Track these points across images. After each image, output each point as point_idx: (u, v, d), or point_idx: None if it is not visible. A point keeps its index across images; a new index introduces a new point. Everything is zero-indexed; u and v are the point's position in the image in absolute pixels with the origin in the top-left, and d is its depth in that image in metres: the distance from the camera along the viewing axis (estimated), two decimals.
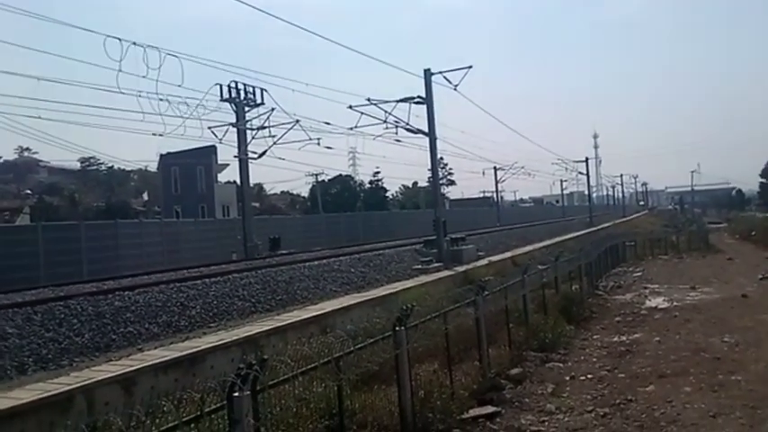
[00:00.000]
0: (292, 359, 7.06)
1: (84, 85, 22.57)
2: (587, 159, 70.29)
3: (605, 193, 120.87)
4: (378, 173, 75.62)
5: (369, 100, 24.36)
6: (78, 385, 7.89)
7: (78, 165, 76.10)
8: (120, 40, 18.46)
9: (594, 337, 13.83)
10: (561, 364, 11.34)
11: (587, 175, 70.48)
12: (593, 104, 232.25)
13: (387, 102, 24.40)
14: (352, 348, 7.49)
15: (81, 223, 28.87)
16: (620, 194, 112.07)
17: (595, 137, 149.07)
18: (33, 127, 44.28)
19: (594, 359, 11.79)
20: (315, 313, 12.71)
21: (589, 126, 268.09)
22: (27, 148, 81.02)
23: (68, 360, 9.73)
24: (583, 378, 10.42)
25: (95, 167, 78.84)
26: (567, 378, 10.42)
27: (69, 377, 8.45)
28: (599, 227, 52.70)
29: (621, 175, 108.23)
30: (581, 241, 32.65)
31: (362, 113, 24.51)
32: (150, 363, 8.89)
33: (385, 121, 24.55)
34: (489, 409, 8.61)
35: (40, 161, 79.54)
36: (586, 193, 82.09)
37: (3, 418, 6.87)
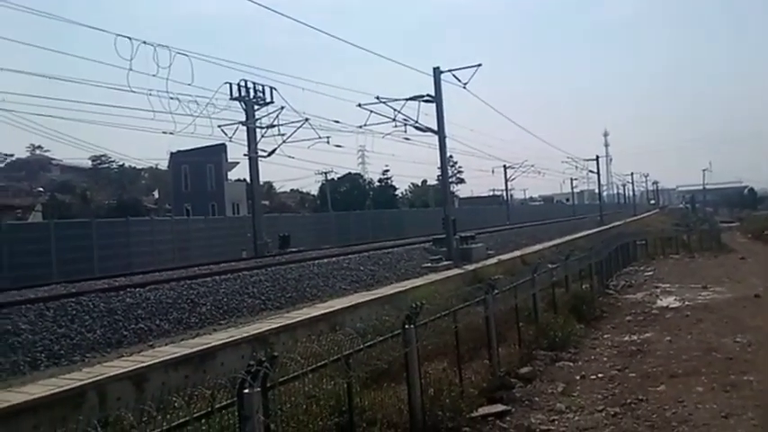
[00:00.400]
0: (302, 356, 7.09)
1: (95, 84, 22.74)
2: (598, 158, 70.00)
3: (616, 191, 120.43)
4: (387, 171, 75.69)
5: (378, 98, 24.35)
6: (90, 381, 7.96)
7: (90, 163, 76.86)
8: (130, 39, 18.57)
9: (605, 336, 13.76)
10: (571, 363, 11.29)
11: (598, 173, 70.18)
12: (604, 102, 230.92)
13: (396, 100, 24.37)
14: (361, 346, 7.50)
15: (93, 221, 29.11)
16: (631, 193, 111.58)
17: (606, 135, 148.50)
18: (45, 125, 44.66)
19: (605, 358, 11.73)
20: (324, 311, 12.74)
21: (599, 124, 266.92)
22: (39, 146, 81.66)
23: (80, 356, 9.81)
24: (593, 377, 10.37)
25: (107, 165, 79.57)
26: (578, 377, 10.38)
27: (81, 373, 8.51)
28: (609, 225, 52.41)
29: (632, 174, 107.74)
30: (591, 240, 32.49)
31: (372, 112, 24.51)
32: (161, 359, 8.95)
33: (394, 120, 24.53)
34: (499, 407, 8.59)
35: (53, 159, 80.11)
36: (597, 191, 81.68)
37: (17, 413, 6.94)
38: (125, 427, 5.79)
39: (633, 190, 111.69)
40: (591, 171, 70.76)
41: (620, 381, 10.09)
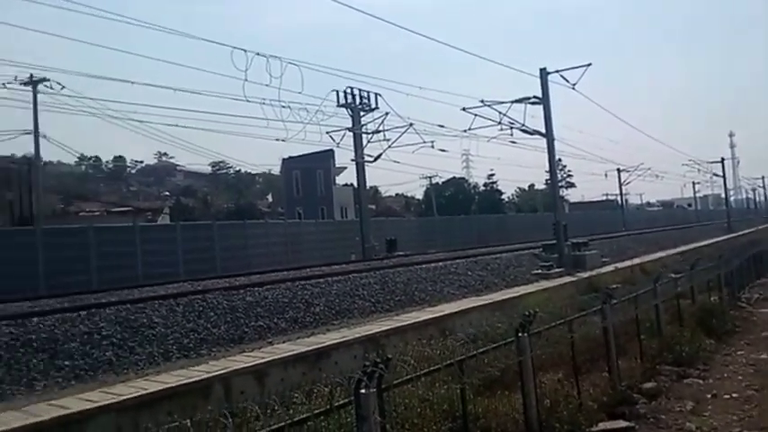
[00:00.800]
0: (415, 360, 7.12)
1: (214, 95, 24.33)
2: (723, 160, 64.78)
3: (744, 196, 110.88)
4: (492, 175, 74.70)
5: (482, 101, 24.14)
6: (216, 374, 8.47)
7: (209, 169, 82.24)
8: (245, 51, 19.73)
9: (739, 353, 12.62)
10: (701, 381, 10.45)
11: (723, 176, 65.03)
12: (730, 102, 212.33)
13: (501, 103, 24.02)
14: (474, 352, 7.43)
15: (214, 223, 31.07)
16: (763, 198, 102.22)
17: (731, 135, 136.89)
18: (170, 133, 48.69)
19: (740, 377, 10.75)
20: (433, 315, 12.74)
21: (725, 125, 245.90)
22: (165, 154, 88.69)
23: (207, 349, 10.46)
24: (727, 397, 9.53)
25: (225, 171, 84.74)
26: (709, 396, 9.58)
27: (208, 365, 9.09)
28: (739, 233, 48.29)
29: (763, 177, 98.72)
30: (719, 248, 30.09)
31: (476, 115, 24.33)
32: (280, 356, 9.35)
33: (499, 123, 24.20)
34: (621, 423, 8.13)
35: (177, 165, 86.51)
36: (723, 196, 75.52)
37: (153, 401, 7.53)
38: (248, 419, 6.07)
39: (766, 194, 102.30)
40: (715, 174, 65.81)
41: (758, 402, 9.20)
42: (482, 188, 77.27)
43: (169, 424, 5.86)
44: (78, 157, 64.74)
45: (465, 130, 25.52)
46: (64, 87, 27.59)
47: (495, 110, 23.98)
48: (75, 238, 23.71)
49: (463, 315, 13.00)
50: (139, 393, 7.61)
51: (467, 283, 18.05)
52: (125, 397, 7.47)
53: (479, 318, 12.75)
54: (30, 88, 27.83)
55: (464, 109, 24.49)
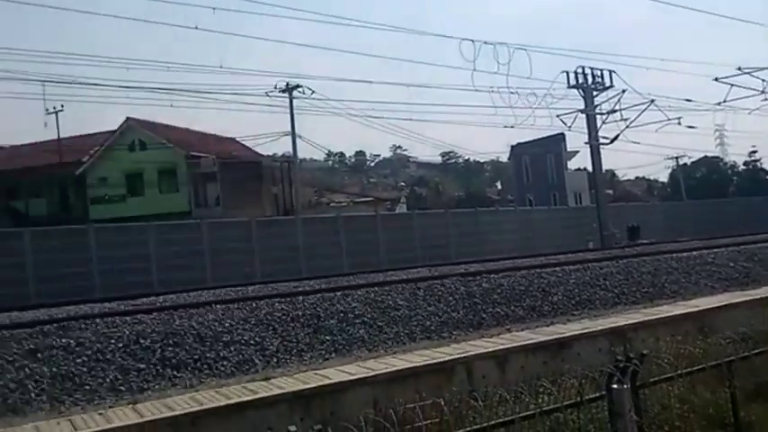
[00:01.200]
0: (674, 357, 6.53)
1: (444, 87, 25.34)
2: None
3: None
4: (754, 152, 64.62)
5: (740, 69, 21.01)
6: (458, 356, 8.78)
7: (440, 159, 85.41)
8: (473, 41, 19.97)
9: None
10: None
11: None
12: None
13: (764, 69, 20.67)
14: (747, 353, 6.60)
15: (447, 211, 32.21)
16: None
17: None
18: (404, 127, 51.84)
19: None
20: (689, 310, 11.62)
21: None
22: (399, 147, 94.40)
23: (447, 332, 10.87)
24: None
25: (454, 161, 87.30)
26: None
27: (450, 348, 9.46)
28: None
29: None
30: None
31: (732, 85, 21.37)
32: (519, 343, 9.35)
33: (762, 92, 20.96)
34: None
35: (410, 157, 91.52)
36: None
37: (402, 377, 8.09)
38: (492, 404, 6.16)
39: None
40: None
41: None
42: (742, 167, 67.43)
43: (420, 401, 6.21)
44: (326, 154, 72.31)
45: (719, 103, 22.76)
46: (314, 92, 31.07)
47: (757, 77, 20.85)
48: (327, 226, 26.53)
49: (726, 311, 11.56)
50: (390, 370, 8.23)
51: (728, 276, 15.92)
52: (377, 372, 8.14)
53: (747, 315, 11.18)
54: (287, 95, 31.83)
55: (717, 79, 21.70)
